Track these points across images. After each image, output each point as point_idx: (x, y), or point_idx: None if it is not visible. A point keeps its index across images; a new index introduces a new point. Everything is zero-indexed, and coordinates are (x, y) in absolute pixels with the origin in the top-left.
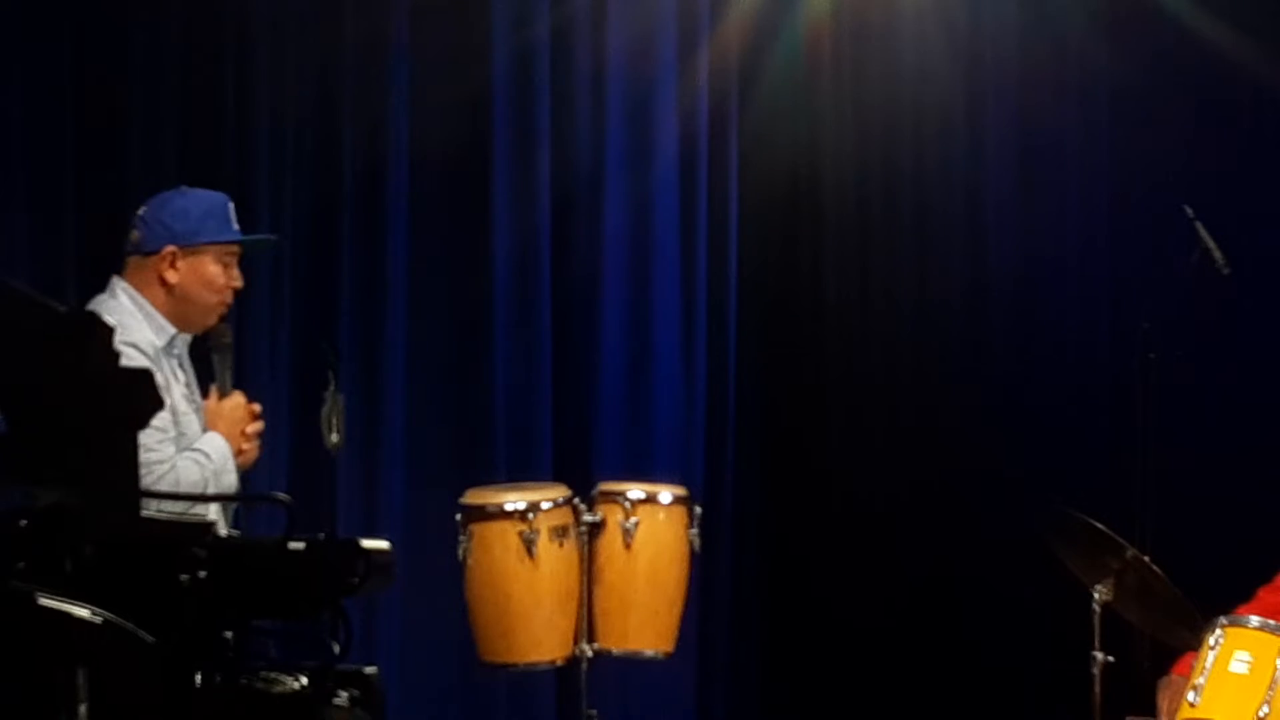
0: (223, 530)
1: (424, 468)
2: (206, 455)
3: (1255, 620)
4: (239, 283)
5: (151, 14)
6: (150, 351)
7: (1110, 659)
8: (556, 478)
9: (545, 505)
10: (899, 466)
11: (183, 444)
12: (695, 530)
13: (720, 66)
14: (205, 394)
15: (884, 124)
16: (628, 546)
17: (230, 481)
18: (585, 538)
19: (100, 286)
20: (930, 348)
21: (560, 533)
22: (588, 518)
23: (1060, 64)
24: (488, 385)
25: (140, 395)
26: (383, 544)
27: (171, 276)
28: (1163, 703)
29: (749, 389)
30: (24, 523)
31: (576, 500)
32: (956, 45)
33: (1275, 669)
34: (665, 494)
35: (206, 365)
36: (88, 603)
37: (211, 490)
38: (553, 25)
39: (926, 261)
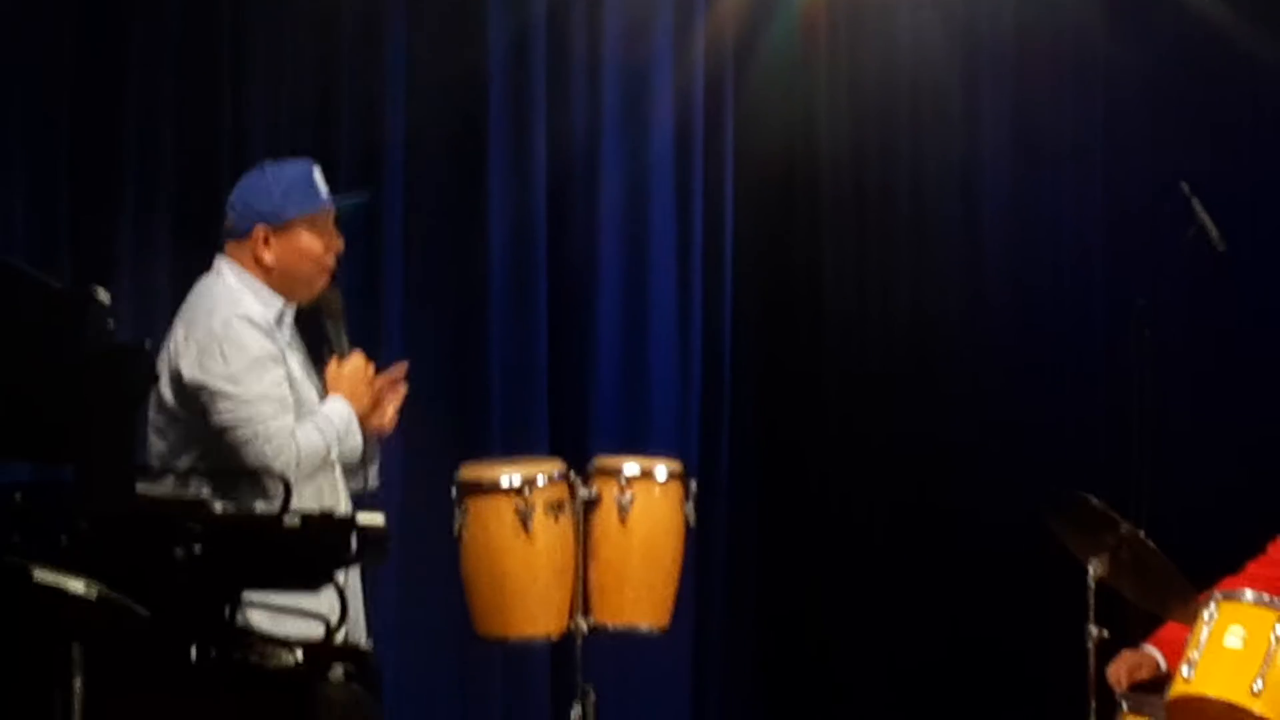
0: (343, 506)
1: (420, 443)
2: (328, 419)
3: (1250, 595)
4: (339, 246)
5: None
6: (263, 324)
7: (1105, 634)
8: (553, 453)
9: (541, 480)
10: (895, 442)
11: (302, 413)
12: (691, 505)
13: (716, 47)
14: (318, 361)
15: (880, 104)
16: (623, 521)
17: (355, 444)
18: (581, 513)
19: (94, 273)
20: (926, 325)
21: (556, 508)
22: (583, 493)
23: (1056, 44)
24: (484, 362)
25: (133, 371)
26: (378, 519)
27: (267, 257)
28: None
29: (745, 365)
30: (19, 497)
31: (572, 475)
32: (953, 26)
33: (1270, 643)
34: (661, 469)
35: (316, 332)
36: (83, 577)
37: (332, 456)
38: (548, 5)
39: (922, 243)
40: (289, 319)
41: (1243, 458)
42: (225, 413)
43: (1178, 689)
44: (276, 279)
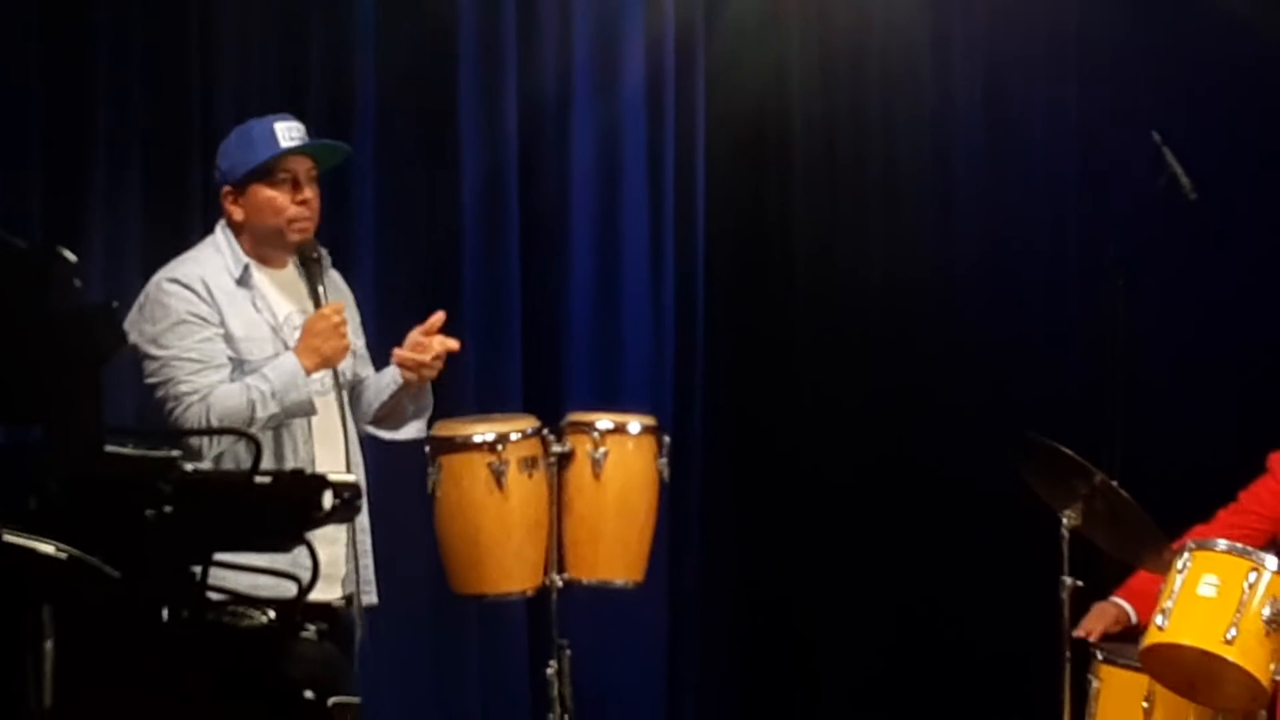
0: (353, 475)
1: None
2: (264, 377)
3: (1223, 544)
4: (307, 196)
5: None
6: (197, 284)
7: (1079, 584)
8: (526, 409)
9: (514, 436)
10: (869, 392)
11: (251, 368)
12: (664, 460)
13: (686, 0)
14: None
15: (851, 62)
16: (597, 477)
17: (297, 399)
18: (554, 468)
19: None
20: (900, 279)
21: (529, 464)
22: (556, 448)
23: (1028, 1)
24: (456, 316)
25: (100, 331)
26: (350, 477)
27: (236, 214)
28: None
29: (718, 318)
30: None
31: (545, 431)
32: None
33: (1243, 592)
34: (634, 424)
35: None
36: (52, 539)
37: (263, 413)
38: None
39: (894, 197)
40: (261, 276)
41: (1217, 407)
42: (148, 374)
43: (1152, 638)
44: (248, 236)
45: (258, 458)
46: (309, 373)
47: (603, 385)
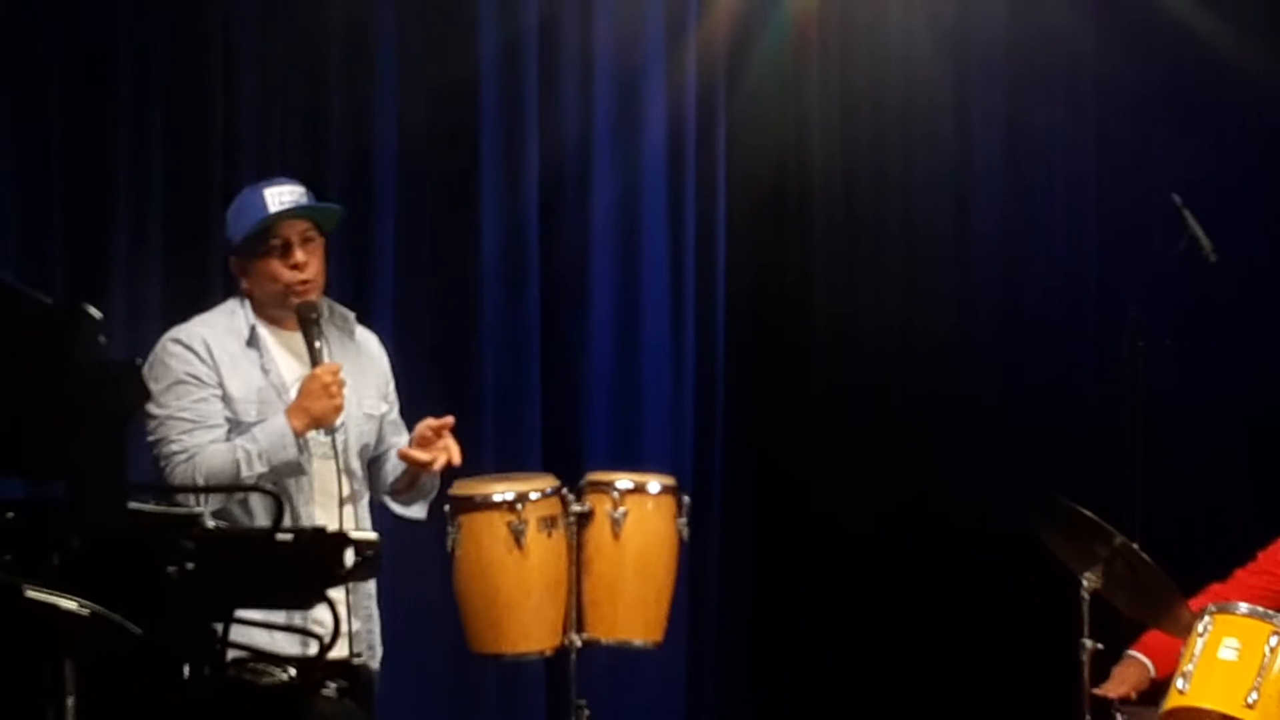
0: (339, 524)
1: None
2: (253, 437)
3: (1244, 607)
4: (299, 260)
5: (138, 6)
6: (198, 344)
7: (1100, 646)
8: (545, 468)
9: (534, 496)
10: (888, 456)
11: (247, 429)
12: (684, 520)
13: (707, 57)
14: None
15: (871, 118)
16: (616, 536)
17: (285, 458)
18: (574, 528)
19: (87, 281)
20: (918, 337)
21: (549, 523)
22: (576, 508)
23: (1048, 57)
24: (476, 375)
25: (124, 387)
26: (371, 535)
27: (243, 283)
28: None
29: (738, 378)
30: (10, 515)
31: (565, 490)
32: (944, 38)
33: (1264, 655)
34: (654, 484)
35: None
36: (75, 595)
37: (249, 473)
38: (540, 12)
39: (913, 252)
40: (272, 339)
41: (1234, 469)
42: (147, 432)
43: (1173, 701)
44: (257, 302)
45: (279, 514)
46: (298, 433)
47: (622, 444)
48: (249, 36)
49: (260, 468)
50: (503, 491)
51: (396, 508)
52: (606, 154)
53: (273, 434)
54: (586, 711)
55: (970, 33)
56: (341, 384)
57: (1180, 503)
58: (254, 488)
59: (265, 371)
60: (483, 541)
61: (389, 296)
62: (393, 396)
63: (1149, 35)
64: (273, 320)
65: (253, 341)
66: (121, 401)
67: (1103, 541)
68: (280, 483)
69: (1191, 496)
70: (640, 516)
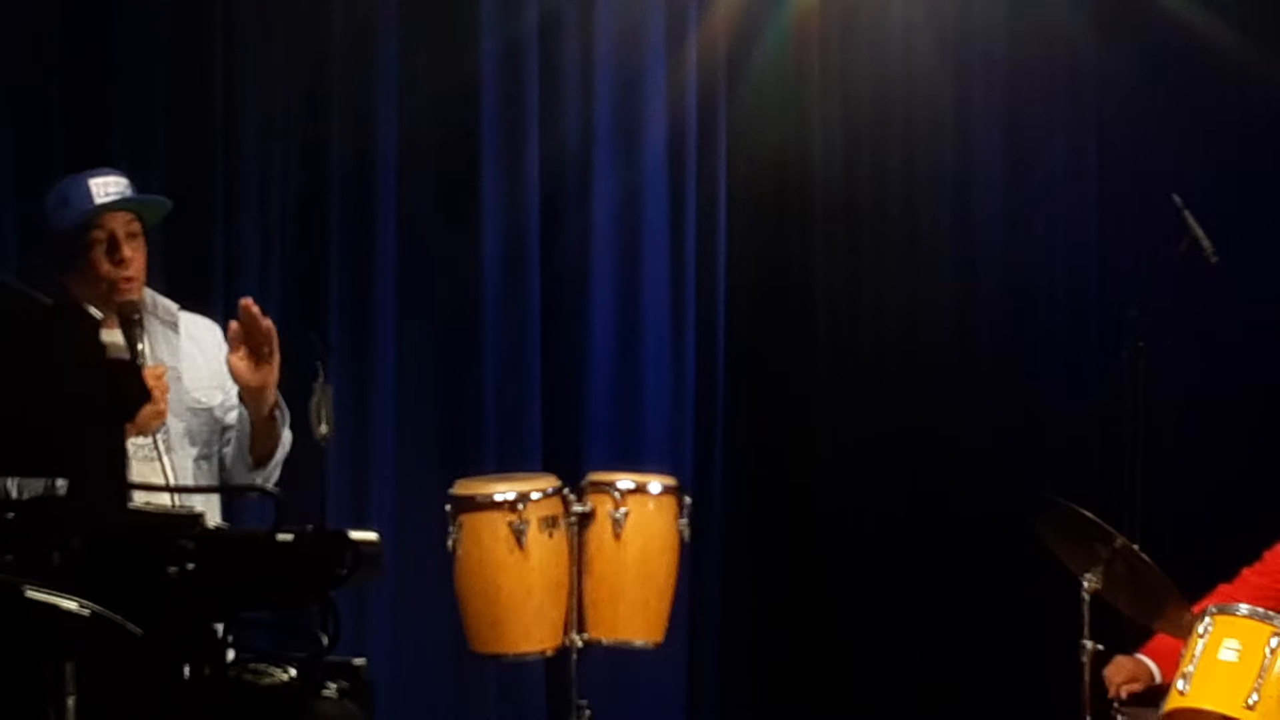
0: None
1: (413, 459)
2: None
3: (1244, 608)
4: (125, 255)
5: (138, 5)
6: None
7: (1100, 648)
8: (546, 468)
9: (535, 496)
10: (889, 455)
11: None
12: (685, 520)
13: (708, 58)
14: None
15: (873, 117)
16: (617, 537)
17: None
18: (575, 528)
19: None
20: (919, 339)
21: (550, 523)
22: (577, 508)
23: (1049, 56)
24: (477, 376)
25: (126, 386)
26: (371, 535)
27: (63, 277)
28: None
29: (738, 378)
30: (11, 515)
31: (566, 490)
32: (945, 37)
33: (1264, 657)
34: (655, 484)
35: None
36: (75, 595)
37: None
38: (541, 15)
39: (915, 252)
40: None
41: (1235, 470)
42: None
43: (1173, 702)
44: (83, 296)
45: (279, 515)
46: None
47: (623, 444)
48: (250, 37)
49: None
50: (504, 491)
51: (259, 478)
52: (607, 154)
53: None
54: (587, 712)
55: (971, 30)
56: (165, 389)
57: (1181, 503)
58: (250, 488)
59: None
60: (484, 541)
61: (391, 298)
62: (230, 384)
63: (1151, 32)
64: None
65: None
66: (122, 400)
67: (1103, 542)
68: None
69: (1192, 497)
70: (641, 517)
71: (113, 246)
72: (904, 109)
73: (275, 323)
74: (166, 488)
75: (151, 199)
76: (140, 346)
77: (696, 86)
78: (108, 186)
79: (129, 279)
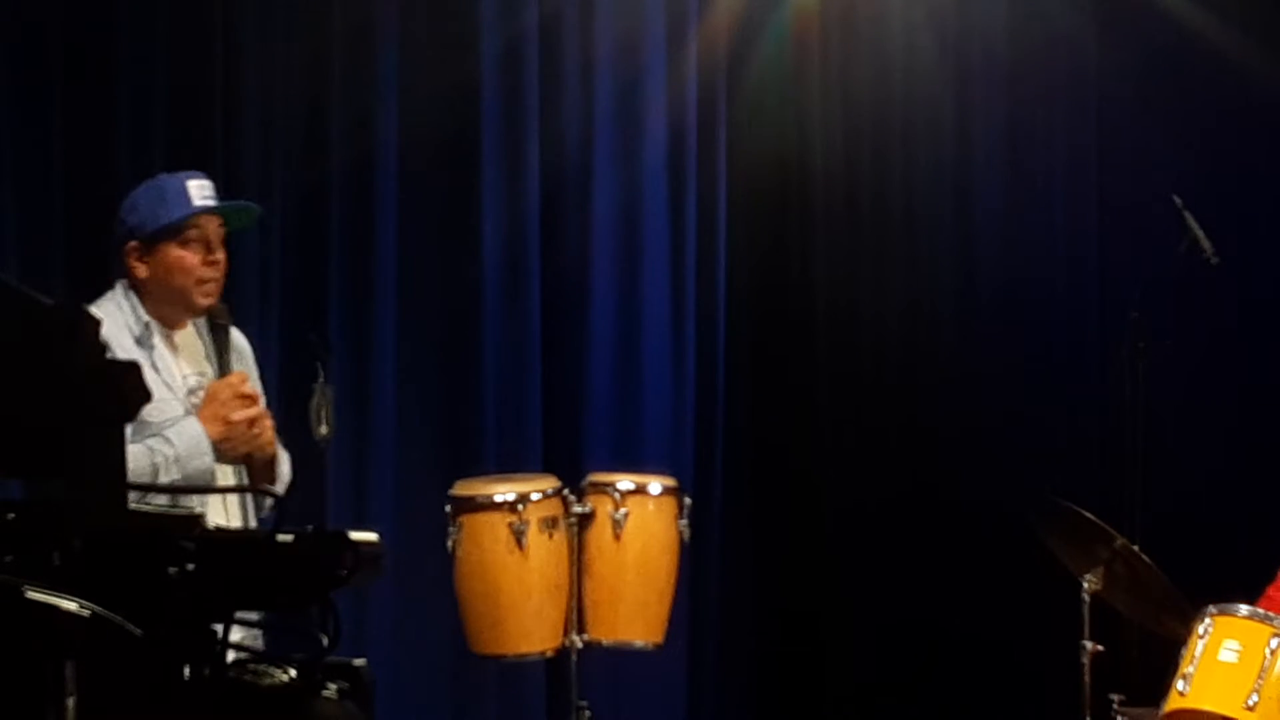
0: (225, 520)
1: (414, 459)
2: (168, 440)
3: (1244, 609)
4: (218, 258)
5: (138, 5)
6: (124, 343)
7: (1100, 648)
8: (546, 469)
9: (535, 496)
10: (890, 456)
11: (149, 430)
12: (685, 521)
13: (708, 57)
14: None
15: (872, 115)
16: (617, 537)
17: (200, 466)
18: (575, 529)
19: (89, 283)
20: (919, 339)
21: (550, 524)
22: (577, 509)
23: (1049, 55)
24: (477, 376)
25: (128, 387)
26: (372, 536)
27: (140, 271)
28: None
29: (739, 379)
30: (11, 516)
31: (566, 491)
32: (945, 36)
33: (1264, 658)
34: (655, 485)
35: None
36: (75, 596)
37: (165, 477)
38: (541, 15)
39: (915, 252)
40: (160, 336)
41: (1235, 471)
42: None
43: (1173, 703)
44: (152, 296)
45: (279, 515)
46: (214, 440)
47: (623, 445)
48: (250, 38)
49: (175, 473)
50: (504, 492)
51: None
52: (608, 154)
53: (188, 438)
54: (587, 712)
55: (971, 30)
56: (256, 396)
57: (1181, 504)
58: (250, 488)
59: (156, 370)
60: (484, 542)
61: (391, 299)
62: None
63: (1150, 31)
64: (161, 318)
65: (143, 339)
66: (123, 401)
67: (1103, 543)
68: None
69: (1192, 498)
70: (641, 517)
71: (207, 247)
72: (904, 109)
73: (275, 323)
74: (168, 488)
75: (248, 205)
76: (227, 355)
77: (696, 86)
78: (204, 190)
79: (216, 281)
